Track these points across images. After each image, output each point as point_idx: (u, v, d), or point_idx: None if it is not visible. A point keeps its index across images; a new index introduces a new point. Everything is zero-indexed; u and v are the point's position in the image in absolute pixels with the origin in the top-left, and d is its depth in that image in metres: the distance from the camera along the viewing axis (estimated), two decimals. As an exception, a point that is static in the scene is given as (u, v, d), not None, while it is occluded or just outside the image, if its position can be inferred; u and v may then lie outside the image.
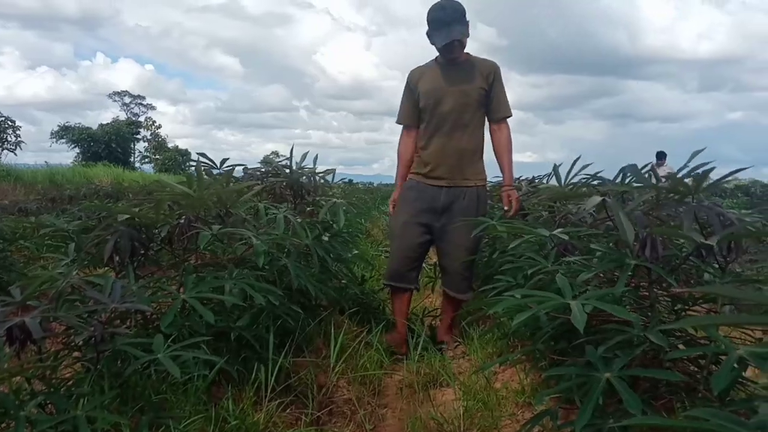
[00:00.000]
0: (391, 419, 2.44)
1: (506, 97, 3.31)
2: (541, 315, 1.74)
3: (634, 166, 1.72)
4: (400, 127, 3.44)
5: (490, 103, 3.27)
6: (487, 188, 3.41)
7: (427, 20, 3.14)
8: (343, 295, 3.59)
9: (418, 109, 3.31)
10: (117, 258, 2.05)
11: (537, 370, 2.19)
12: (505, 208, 3.27)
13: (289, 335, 2.48)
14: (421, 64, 3.39)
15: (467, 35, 3.09)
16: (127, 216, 2.09)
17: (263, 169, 3.69)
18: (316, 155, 3.64)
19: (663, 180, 1.82)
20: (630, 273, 1.61)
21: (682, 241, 1.65)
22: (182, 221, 2.17)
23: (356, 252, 4.42)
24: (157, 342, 1.68)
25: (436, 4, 3.11)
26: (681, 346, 1.58)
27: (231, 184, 2.53)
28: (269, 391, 2.08)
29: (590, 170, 2.77)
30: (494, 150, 3.35)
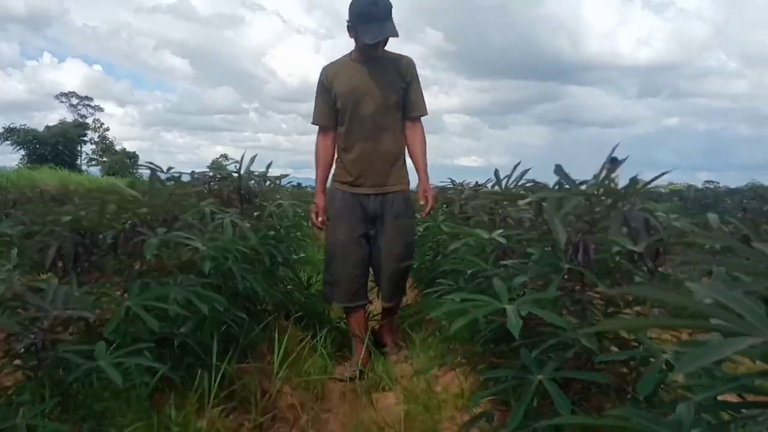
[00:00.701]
0: (333, 424, 2.47)
1: (422, 94, 3.21)
2: (480, 318, 1.81)
3: (560, 167, 1.79)
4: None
5: (407, 101, 3.15)
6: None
7: (354, 13, 2.93)
8: (289, 299, 3.60)
9: (335, 110, 3.16)
10: (60, 264, 2.02)
11: (476, 373, 2.26)
12: (421, 202, 3.20)
13: (233, 341, 2.48)
14: (334, 60, 3.22)
15: (397, 34, 2.93)
16: (71, 217, 2.06)
17: (210, 174, 3.66)
18: (270, 162, 3.59)
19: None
20: (565, 276, 1.70)
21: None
22: (127, 226, 2.15)
23: (302, 255, 4.44)
24: (99, 349, 1.66)
25: None
26: (614, 348, 1.66)
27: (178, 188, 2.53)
28: (212, 397, 2.07)
29: (531, 175, 2.86)
30: (409, 149, 3.23)
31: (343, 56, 3.20)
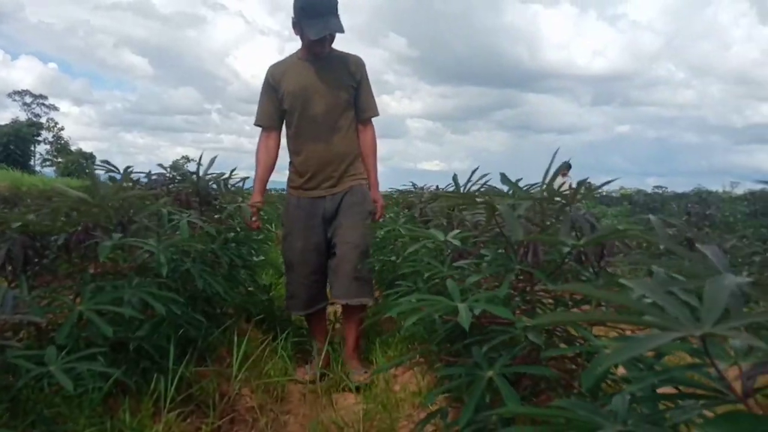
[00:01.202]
0: (293, 425, 2.46)
1: (373, 95, 3.13)
2: (436, 318, 1.83)
3: (504, 175, 1.83)
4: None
5: (358, 102, 3.07)
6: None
7: (298, 7, 2.83)
8: (250, 301, 3.58)
9: (281, 110, 3.06)
10: (10, 267, 1.98)
11: (433, 372, 2.29)
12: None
13: (191, 344, 2.46)
14: (281, 59, 3.13)
15: (343, 29, 2.82)
16: (20, 223, 2.02)
17: (168, 175, 3.61)
18: (234, 168, 3.54)
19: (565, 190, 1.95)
20: (518, 276, 1.74)
21: (567, 249, 1.78)
22: (80, 228, 2.12)
23: (262, 258, 4.41)
24: (49, 354, 1.64)
25: None
26: (562, 345, 1.70)
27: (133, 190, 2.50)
28: (169, 401, 2.05)
29: (491, 179, 2.88)
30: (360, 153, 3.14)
31: (290, 55, 3.10)
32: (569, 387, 1.52)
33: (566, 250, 1.57)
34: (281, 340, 3.03)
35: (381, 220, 3.25)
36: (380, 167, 3.23)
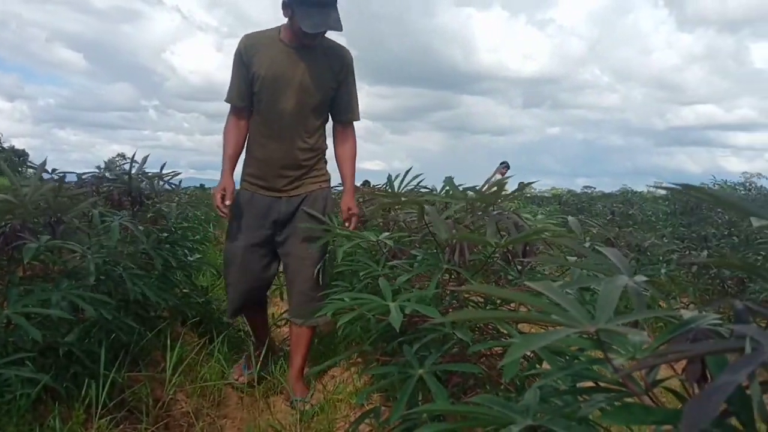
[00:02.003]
0: (229, 429, 2.45)
1: (357, 97, 2.79)
2: (371, 318, 1.87)
3: (450, 178, 1.90)
4: None
5: (339, 101, 2.74)
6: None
7: None
8: (185, 304, 3.52)
9: (253, 91, 2.69)
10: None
11: (369, 372, 2.32)
12: (342, 219, 2.78)
13: (123, 348, 2.42)
14: (259, 31, 2.72)
15: (342, 27, 2.47)
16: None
17: (100, 175, 3.52)
18: (180, 173, 3.46)
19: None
20: (447, 276, 1.79)
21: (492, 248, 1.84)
22: (8, 230, 2.06)
23: (199, 256, 4.33)
24: (-26, 361, 1.60)
25: None
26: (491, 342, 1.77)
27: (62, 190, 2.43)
28: (100, 407, 2.01)
29: (430, 178, 2.92)
30: (336, 156, 2.84)
31: (271, 29, 2.68)
32: (497, 383, 1.58)
33: (491, 249, 1.64)
34: (218, 343, 2.99)
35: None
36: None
